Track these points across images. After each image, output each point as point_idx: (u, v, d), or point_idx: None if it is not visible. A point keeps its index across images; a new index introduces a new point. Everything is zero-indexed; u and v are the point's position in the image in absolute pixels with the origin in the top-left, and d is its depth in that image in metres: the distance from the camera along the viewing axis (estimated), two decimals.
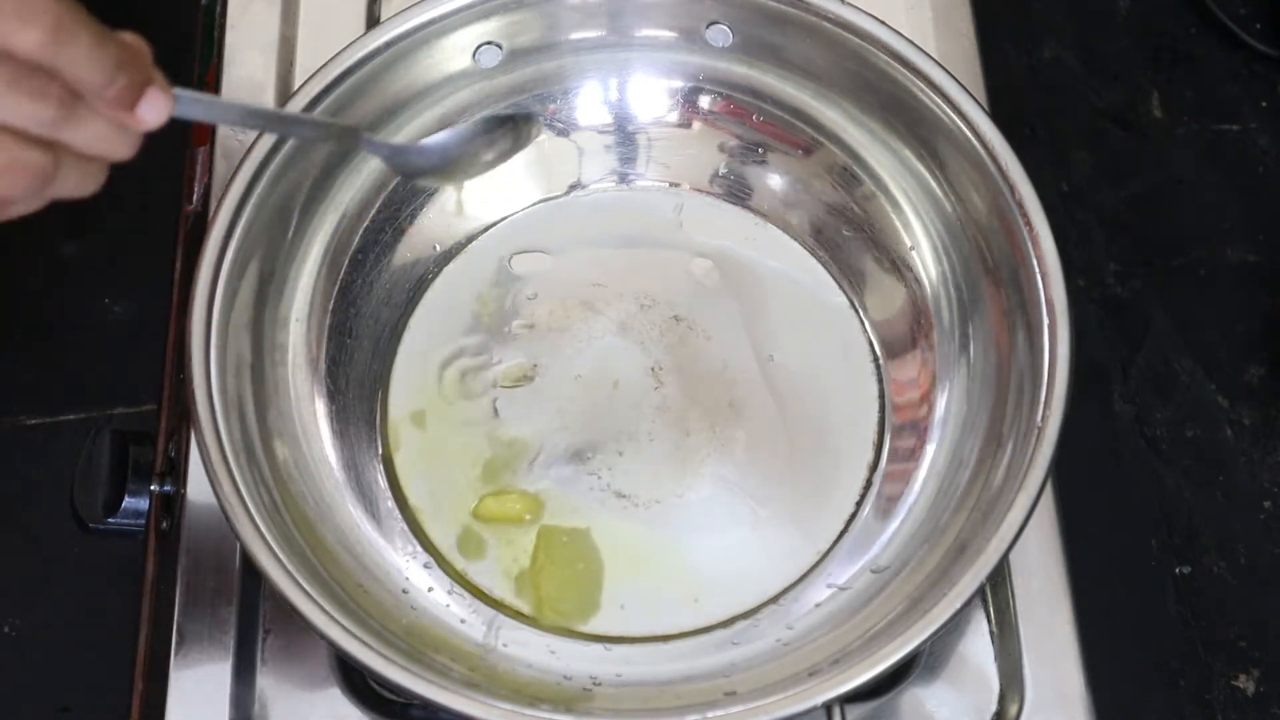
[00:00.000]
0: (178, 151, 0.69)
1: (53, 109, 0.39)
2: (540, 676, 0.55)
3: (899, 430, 0.62)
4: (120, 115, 0.41)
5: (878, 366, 0.63)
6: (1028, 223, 0.55)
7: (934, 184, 0.61)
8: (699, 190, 0.67)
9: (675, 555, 0.60)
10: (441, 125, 0.64)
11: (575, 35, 0.64)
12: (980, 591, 0.50)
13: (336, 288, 0.62)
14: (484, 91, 0.64)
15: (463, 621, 0.58)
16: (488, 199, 0.66)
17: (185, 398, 0.53)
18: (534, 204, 0.66)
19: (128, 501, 0.60)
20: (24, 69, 0.38)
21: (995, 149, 0.56)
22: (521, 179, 0.66)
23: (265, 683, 0.57)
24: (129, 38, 0.41)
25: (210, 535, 0.59)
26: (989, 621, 0.59)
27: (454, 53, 0.62)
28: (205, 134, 0.67)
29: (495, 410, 0.62)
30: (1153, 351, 0.69)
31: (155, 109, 0.42)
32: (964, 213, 0.60)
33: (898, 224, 0.63)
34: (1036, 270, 0.54)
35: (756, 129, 0.65)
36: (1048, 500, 0.60)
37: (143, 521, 0.61)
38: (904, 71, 0.58)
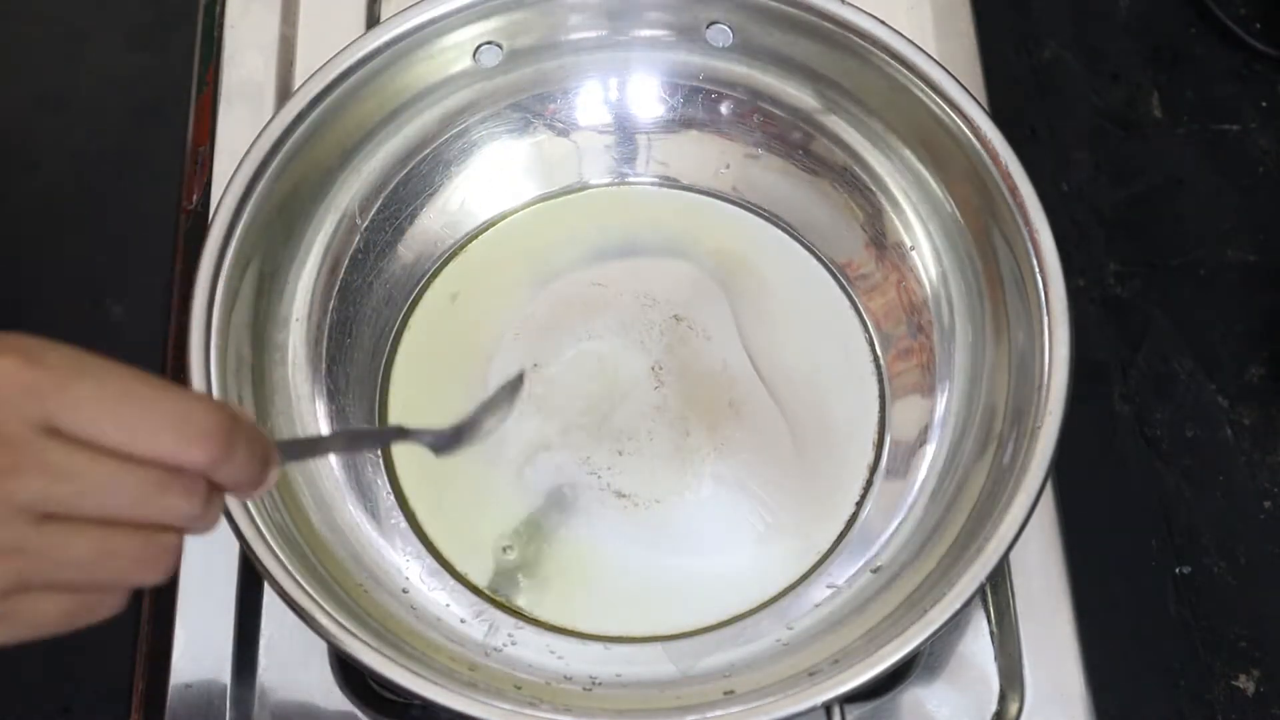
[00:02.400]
0: (178, 151, 0.69)
1: (199, 505, 0.38)
2: (540, 677, 0.55)
3: (899, 430, 0.62)
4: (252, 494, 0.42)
5: (878, 366, 0.63)
6: (1028, 223, 0.55)
7: (934, 184, 0.61)
8: (699, 190, 0.67)
9: (675, 555, 0.60)
10: (442, 125, 0.64)
11: (575, 35, 0.64)
12: (980, 591, 0.50)
13: (336, 288, 0.62)
14: (484, 91, 0.64)
15: (463, 621, 0.58)
16: (488, 199, 0.66)
17: None
18: (534, 203, 0.66)
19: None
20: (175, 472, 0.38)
21: (995, 149, 0.56)
22: (521, 179, 0.66)
23: (265, 683, 0.57)
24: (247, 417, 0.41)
25: (210, 535, 0.59)
26: (989, 621, 0.59)
27: (454, 53, 0.62)
28: (205, 134, 0.67)
29: None
30: (1153, 351, 0.69)
31: (273, 477, 0.42)
32: (964, 213, 0.60)
33: (898, 224, 0.63)
34: (1036, 270, 0.54)
35: (756, 129, 0.65)
36: (1048, 500, 0.60)
37: None
38: (904, 71, 0.58)
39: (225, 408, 0.38)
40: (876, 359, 0.63)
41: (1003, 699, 0.57)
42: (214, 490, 0.39)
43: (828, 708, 0.51)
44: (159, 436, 0.36)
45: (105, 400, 0.36)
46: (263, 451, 0.40)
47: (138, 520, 0.37)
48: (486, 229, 0.66)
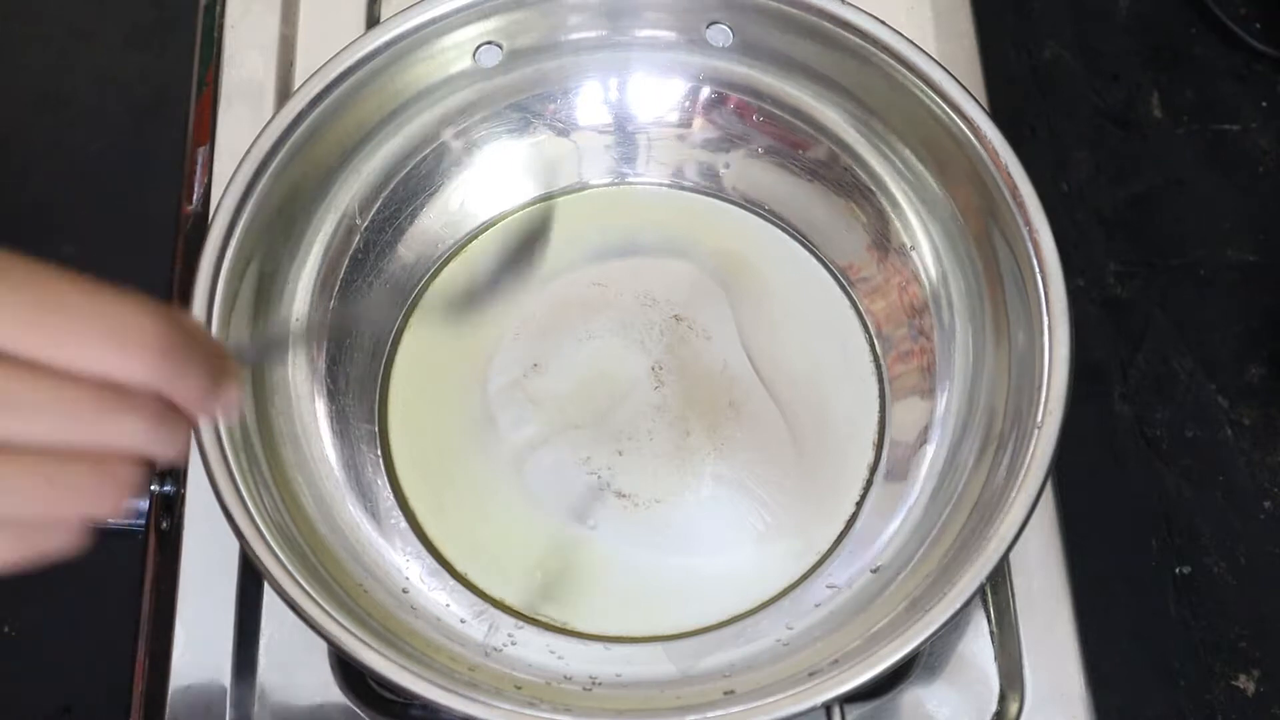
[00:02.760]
0: (178, 151, 0.69)
1: (151, 425, 0.34)
2: (540, 677, 0.55)
3: (899, 430, 0.62)
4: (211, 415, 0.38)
5: (878, 366, 0.63)
6: (1028, 223, 0.55)
7: (934, 184, 0.61)
8: (699, 190, 0.67)
9: (675, 555, 0.60)
10: (442, 125, 0.64)
11: (575, 35, 0.64)
12: (980, 591, 0.50)
13: (336, 288, 0.62)
14: (484, 91, 0.64)
15: (463, 621, 0.58)
16: (488, 199, 0.66)
17: None
18: (533, 203, 0.66)
19: (127, 501, 0.60)
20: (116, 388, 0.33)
21: (995, 149, 0.56)
22: (521, 178, 0.66)
23: (265, 683, 0.57)
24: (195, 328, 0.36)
25: (210, 535, 0.59)
26: (989, 621, 0.59)
27: (454, 53, 0.62)
28: (205, 134, 0.67)
29: (495, 410, 0.62)
30: (1153, 351, 0.69)
31: (235, 394, 0.38)
32: (964, 213, 0.60)
33: (898, 224, 0.63)
34: (1036, 270, 0.54)
35: (756, 129, 0.65)
36: (1048, 500, 0.60)
37: (143, 521, 0.61)
38: (904, 71, 0.58)
39: (168, 313, 0.34)
40: (876, 359, 0.63)
41: (1003, 699, 0.57)
42: (170, 410, 0.35)
43: (828, 708, 0.51)
44: (90, 348, 0.32)
45: (23, 308, 0.32)
46: (217, 362, 0.35)
47: (82, 447, 0.34)
48: (486, 229, 0.66)
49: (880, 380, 0.63)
